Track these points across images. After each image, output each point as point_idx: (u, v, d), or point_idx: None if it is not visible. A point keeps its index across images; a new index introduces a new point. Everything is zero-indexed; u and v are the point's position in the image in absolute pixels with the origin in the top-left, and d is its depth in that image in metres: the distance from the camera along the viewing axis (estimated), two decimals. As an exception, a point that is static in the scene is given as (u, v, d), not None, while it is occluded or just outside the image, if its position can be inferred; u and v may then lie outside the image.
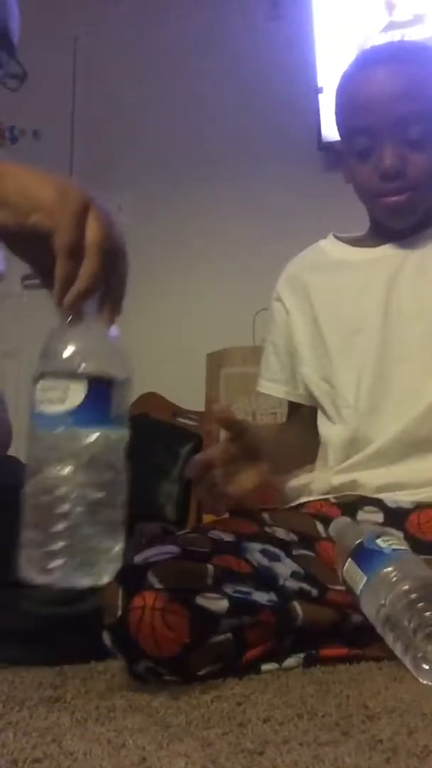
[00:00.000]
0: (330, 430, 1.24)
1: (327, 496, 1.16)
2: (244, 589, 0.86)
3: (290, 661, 0.88)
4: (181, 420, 2.72)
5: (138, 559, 0.86)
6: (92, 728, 0.66)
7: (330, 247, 1.33)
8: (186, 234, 3.01)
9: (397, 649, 0.83)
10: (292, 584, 0.91)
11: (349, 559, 0.91)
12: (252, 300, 2.56)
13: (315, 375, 1.27)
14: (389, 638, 0.84)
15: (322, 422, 1.27)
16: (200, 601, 0.81)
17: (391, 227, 1.23)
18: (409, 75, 1.14)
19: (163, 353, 2.93)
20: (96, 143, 3.19)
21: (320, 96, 2.74)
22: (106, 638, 0.84)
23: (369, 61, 1.19)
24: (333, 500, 1.15)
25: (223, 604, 0.82)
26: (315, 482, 1.21)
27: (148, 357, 2.97)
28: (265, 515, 1.06)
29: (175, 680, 0.80)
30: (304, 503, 1.17)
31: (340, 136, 1.24)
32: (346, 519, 1.05)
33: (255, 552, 0.92)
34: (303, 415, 1.32)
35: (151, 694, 0.78)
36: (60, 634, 0.98)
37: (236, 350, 2.45)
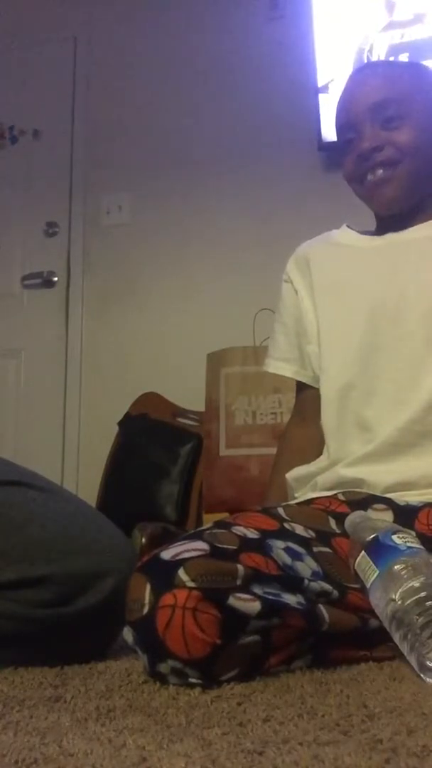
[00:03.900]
0: (322, 403, 1.27)
1: (334, 492, 1.16)
2: (273, 590, 0.85)
3: (298, 662, 0.88)
4: (181, 420, 2.72)
5: (165, 554, 0.84)
6: (92, 728, 0.66)
7: (338, 233, 1.37)
8: (186, 234, 3.01)
9: (403, 648, 0.83)
10: (315, 585, 0.90)
11: (363, 552, 0.91)
12: (252, 300, 2.56)
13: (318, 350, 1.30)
14: (396, 636, 0.84)
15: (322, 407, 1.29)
16: (232, 601, 0.80)
17: (387, 211, 1.27)
18: (385, 72, 1.28)
19: (163, 353, 2.93)
20: (96, 143, 3.19)
21: (320, 96, 2.74)
22: (128, 635, 0.83)
23: (354, 72, 1.32)
24: (341, 497, 1.14)
25: (255, 606, 0.81)
26: (321, 476, 1.20)
27: (148, 357, 2.97)
28: (280, 510, 1.05)
29: (199, 683, 0.79)
30: (312, 499, 1.16)
31: (339, 144, 1.30)
32: (362, 513, 1.05)
33: (279, 550, 0.91)
34: (310, 401, 1.33)
35: (151, 694, 0.78)
36: (53, 635, 0.95)
37: (236, 350, 2.45)
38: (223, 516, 2.22)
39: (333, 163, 2.69)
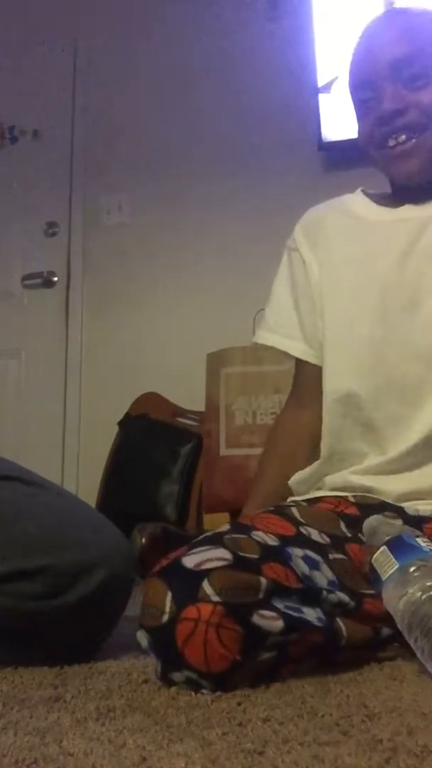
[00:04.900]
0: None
1: (344, 494, 1.12)
2: (293, 605, 0.84)
3: (303, 665, 0.88)
4: (181, 420, 2.72)
5: (188, 562, 0.82)
6: (92, 728, 0.66)
7: (352, 199, 1.27)
8: (186, 234, 3.01)
9: (417, 649, 0.82)
10: (333, 597, 0.89)
11: (384, 547, 0.91)
12: (252, 300, 2.56)
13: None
14: (410, 640, 0.83)
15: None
16: (256, 619, 0.79)
17: (406, 182, 1.16)
18: (402, 23, 1.14)
19: (163, 353, 2.93)
20: (96, 143, 3.19)
21: (320, 96, 2.74)
22: (143, 639, 0.82)
23: (371, 23, 1.19)
24: (351, 499, 1.11)
25: (278, 624, 0.80)
26: (329, 478, 1.16)
27: (148, 357, 2.97)
28: (294, 511, 1.02)
29: (213, 694, 0.78)
30: (320, 497, 1.13)
31: (353, 104, 1.19)
32: (380, 517, 1.03)
33: (298, 559, 0.90)
34: (309, 380, 1.24)
35: (151, 694, 0.78)
36: (44, 629, 0.96)
37: (236, 350, 2.44)
38: (223, 516, 2.22)
39: (333, 163, 2.69)
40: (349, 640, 0.88)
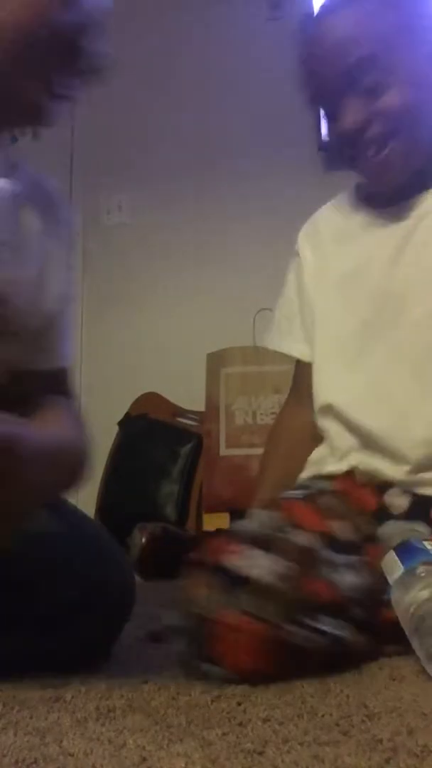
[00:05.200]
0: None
1: (350, 468, 1.10)
2: (326, 619, 0.84)
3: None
4: (181, 420, 2.72)
5: (231, 563, 0.82)
6: (92, 728, 0.66)
7: (347, 200, 1.23)
8: (186, 234, 3.01)
9: (420, 653, 0.82)
10: (358, 612, 0.89)
11: (392, 551, 0.92)
12: (252, 300, 2.56)
13: None
14: (413, 641, 0.83)
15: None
16: (290, 636, 0.80)
17: (388, 190, 1.11)
18: (354, 18, 1.03)
19: (163, 353, 2.93)
20: (96, 143, 3.19)
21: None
22: (173, 620, 0.83)
23: (320, 14, 1.08)
24: (359, 477, 1.09)
25: (312, 639, 0.81)
26: (334, 455, 1.14)
27: (148, 357, 2.97)
28: (327, 499, 1.01)
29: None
30: (332, 476, 1.11)
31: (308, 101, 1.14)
32: (392, 523, 1.04)
33: (335, 570, 0.90)
34: (308, 378, 1.23)
35: (151, 694, 0.78)
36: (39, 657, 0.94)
37: (236, 350, 2.45)
38: (223, 516, 2.21)
39: (333, 164, 2.69)
40: (365, 653, 0.89)
